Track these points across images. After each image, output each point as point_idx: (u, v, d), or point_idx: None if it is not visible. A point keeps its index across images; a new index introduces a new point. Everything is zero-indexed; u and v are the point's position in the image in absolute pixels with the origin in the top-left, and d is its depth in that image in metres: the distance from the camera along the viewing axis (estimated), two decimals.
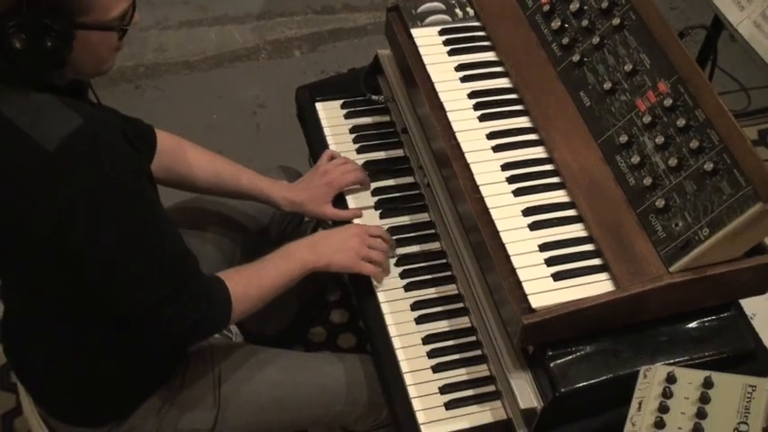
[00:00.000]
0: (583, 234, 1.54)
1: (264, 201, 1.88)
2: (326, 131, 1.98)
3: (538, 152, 1.65)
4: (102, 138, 1.39)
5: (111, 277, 1.45)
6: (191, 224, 1.93)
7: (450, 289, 1.76)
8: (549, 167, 1.62)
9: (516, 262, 1.49)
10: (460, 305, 1.73)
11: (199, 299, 1.52)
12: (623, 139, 1.57)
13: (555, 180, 1.61)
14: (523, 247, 1.51)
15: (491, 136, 1.66)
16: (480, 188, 1.59)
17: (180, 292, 1.48)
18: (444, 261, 1.79)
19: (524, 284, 1.47)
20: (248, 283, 1.61)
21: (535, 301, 1.45)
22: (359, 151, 1.95)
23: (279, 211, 1.95)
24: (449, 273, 1.77)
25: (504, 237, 1.53)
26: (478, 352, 1.67)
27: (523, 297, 1.46)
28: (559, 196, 1.59)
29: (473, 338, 1.69)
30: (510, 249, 1.51)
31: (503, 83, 1.74)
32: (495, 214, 1.55)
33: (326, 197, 1.86)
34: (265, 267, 1.65)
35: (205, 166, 1.85)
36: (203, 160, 1.85)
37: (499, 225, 1.54)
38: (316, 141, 1.98)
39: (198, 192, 1.90)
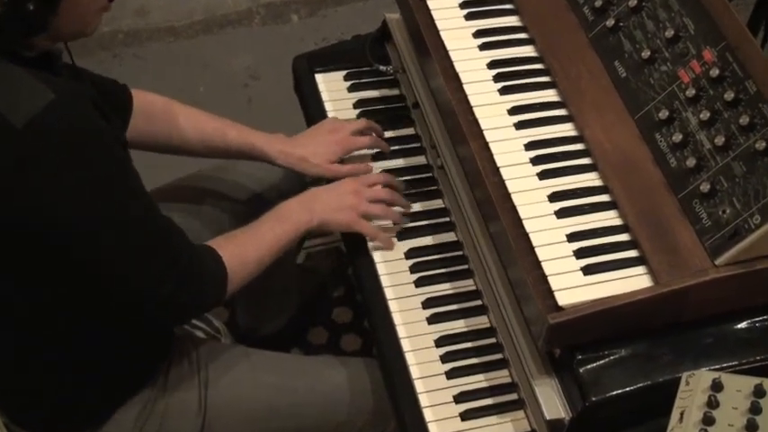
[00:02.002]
0: (617, 222, 1.54)
1: (257, 156, 1.88)
2: (327, 106, 1.99)
3: (566, 129, 1.65)
4: (74, 113, 1.40)
5: (96, 261, 1.47)
6: (187, 201, 1.95)
7: (467, 284, 1.77)
8: (578, 147, 1.62)
9: (541, 254, 1.49)
10: (478, 303, 1.74)
11: (192, 272, 1.55)
12: (663, 114, 1.57)
13: (585, 161, 1.61)
14: (549, 237, 1.51)
15: (513, 111, 1.66)
16: (501, 170, 1.59)
17: (171, 266, 1.51)
18: (460, 253, 1.79)
19: (550, 279, 1.47)
20: (243, 251, 1.64)
21: (562, 298, 1.45)
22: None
23: (286, 185, 1.97)
24: (465, 266, 1.78)
25: (528, 225, 1.53)
26: (498, 356, 1.68)
27: (549, 293, 1.46)
28: (590, 179, 1.58)
29: (492, 340, 1.70)
30: (534, 239, 1.51)
31: (527, 51, 1.74)
32: (517, 200, 1.55)
33: (333, 156, 1.86)
34: (259, 232, 1.68)
35: (185, 123, 1.86)
36: (182, 116, 1.87)
37: (522, 212, 1.54)
38: (315, 118, 1.98)
39: (181, 154, 1.91)
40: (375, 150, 1.91)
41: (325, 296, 2.54)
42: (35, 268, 1.49)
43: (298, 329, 2.42)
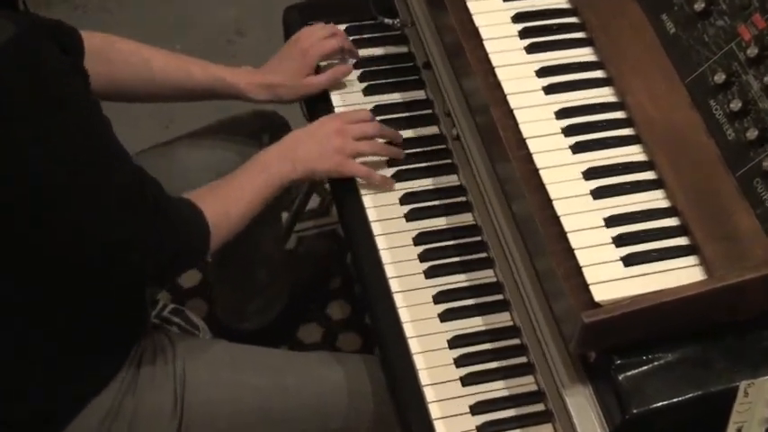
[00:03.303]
0: (664, 204, 1.53)
1: (228, 94, 1.94)
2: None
3: (605, 95, 1.64)
4: (39, 47, 1.41)
5: (71, 215, 1.48)
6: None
7: (486, 276, 1.77)
8: (618, 115, 1.62)
9: (574, 241, 1.48)
10: (499, 297, 1.74)
11: (174, 220, 1.59)
12: (720, 77, 1.55)
13: (627, 132, 1.60)
14: (584, 221, 1.50)
15: (542, 72, 1.65)
16: (527, 142, 1.58)
17: (152, 213, 1.55)
18: (478, 239, 1.80)
19: (585, 271, 1.45)
20: (224, 203, 1.71)
21: (599, 293, 1.43)
22: (366, 92, 1.97)
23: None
24: (484, 254, 1.78)
25: (559, 207, 1.51)
26: (523, 359, 1.68)
27: (584, 287, 1.44)
28: (633, 153, 1.57)
29: (516, 341, 1.70)
30: (566, 224, 1.50)
31: (559, 1, 1.74)
32: (546, 177, 1.54)
33: (306, 68, 1.93)
34: (239, 184, 1.75)
35: (145, 62, 1.90)
36: (140, 55, 1.91)
37: (552, 191, 1.53)
38: None
39: (142, 100, 1.98)
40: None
41: (320, 288, 2.56)
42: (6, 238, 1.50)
43: (287, 326, 2.44)
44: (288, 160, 1.78)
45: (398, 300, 1.72)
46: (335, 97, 1.95)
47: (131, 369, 1.74)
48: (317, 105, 1.95)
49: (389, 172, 1.86)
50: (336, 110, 1.93)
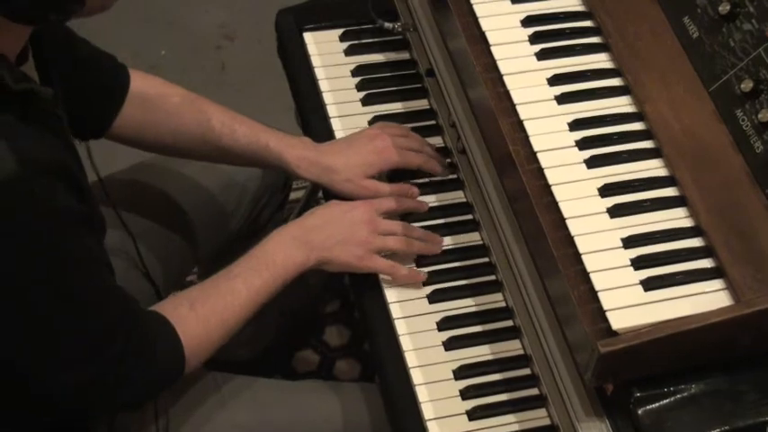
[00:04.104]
0: (686, 223, 1.52)
1: (270, 162, 1.86)
2: (319, 74, 2.00)
3: (622, 104, 1.64)
4: (29, 195, 1.37)
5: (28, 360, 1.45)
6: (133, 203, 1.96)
7: (495, 300, 1.77)
8: (637, 126, 1.61)
9: (590, 263, 1.48)
10: (509, 323, 1.74)
11: (140, 366, 1.53)
12: (747, 86, 1.55)
13: (646, 145, 1.59)
14: (600, 242, 1.50)
15: (555, 80, 1.65)
16: (538, 156, 1.57)
17: (113, 364, 1.50)
18: (486, 260, 1.80)
19: (601, 296, 1.45)
20: (206, 322, 1.62)
21: (617, 321, 1.43)
22: (365, 102, 1.97)
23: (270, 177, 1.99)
24: (492, 277, 1.78)
25: (573, 226, 1.51)
26: (534, 391, 1.68)
27: (600, 314, 1.44)
28: (653, 168, 1.57)
29: (527, 371, 1.70)
30: (581, 245, 1.49)
31: (572, 4, 1.74)
32: (559, 194, 1.54)
33: (370, 169, 1.82)
34: (231, 288, 1.66)
35: (186, 113, 1.86)
36: (183, 104, 1.86)
37: (565, 209, 1.52)
38: (303, 88, 2.00)
39: (172, 154, 1.92)
40: None
41: (316, 312, 2.56)
42: None
43: (280, 354, 2.45)
44: (303, 245, 1.70)
45: (400, 327, 1.72)
46: (332, 107, 1.95)
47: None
48: (312, 116, 1.96)
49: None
50: (333, 121, 1.93)
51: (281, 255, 1.70)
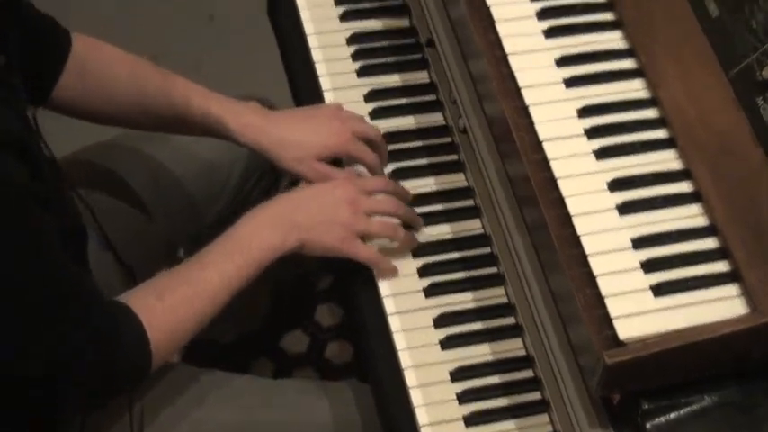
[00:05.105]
0: (701, 222, 1.53)
1: (212, 129, 1.84)
2: (312, 41, 1.98)
3: (634, 89, 1.64)
4: None
5: None
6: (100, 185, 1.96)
7: (496, 295, 1.76)
8: (650, 114, 1.61)
9: (596, 265, 1.48)
10: (511, 321, 1.74)
11: (98, 349, 1.52)
12: None
13: (660, 134, 1.60)
14: (608, 242, 1.50)
15: (563, 62, 1.65)
16: (544, 145, 1.57)
17: (52, 347, 1.48)
18: (487, 251, 1.79)
19: (608, 302, 1.45)
20: (175, 313, 1.61)
21: (625, 329, 1.43)
22: (361, 73, 1.96)
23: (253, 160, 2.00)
24: (494, 269, 1.77)
25: (579, 224, 1.51)
26: (536, 395, 1.67)
27: (606, 321, 1.44)
28: (666, 160, 1.57)
29: (529, 373, 1.70)
30: (587, 244, 1.50)
31: None
32: (565, 187, 1.54)
33: (325, 150, 1.80)
34: (202, 276, 1.65)
35: (124, 77, 1.85)
36: (120, 67, 1.85)
37: (571, 205, 1.53)
38: (294, 56, 2.00)
39: (114, 123, 1.91)
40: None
41: (307, 290, 2.55)
42: None
43: (268, 334, 2.44)
44: (280, 228, 1.69)
45: (394, 323, 1.71)
46: (324, 79, 1.93)
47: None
48: (303, 89, 1.95)
49: (386, 169, 1.86)
50: (326, 95, 1.91)
51: (255, 238, 1.68)
